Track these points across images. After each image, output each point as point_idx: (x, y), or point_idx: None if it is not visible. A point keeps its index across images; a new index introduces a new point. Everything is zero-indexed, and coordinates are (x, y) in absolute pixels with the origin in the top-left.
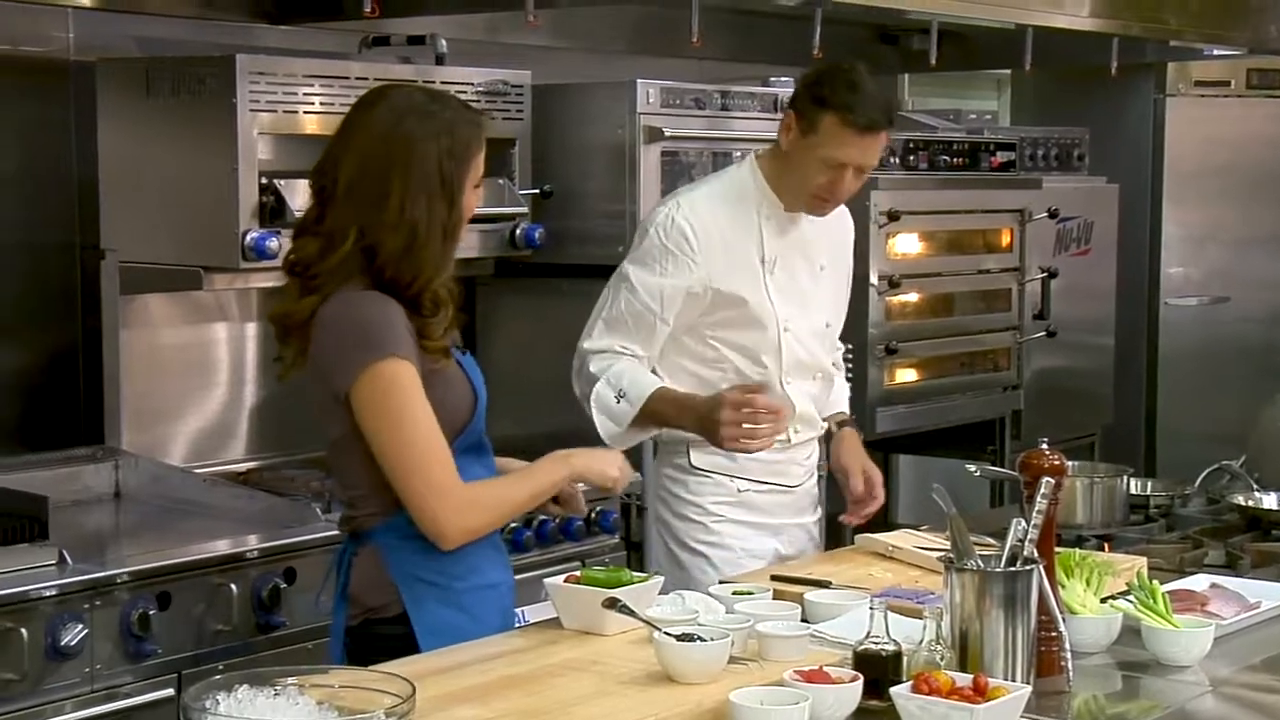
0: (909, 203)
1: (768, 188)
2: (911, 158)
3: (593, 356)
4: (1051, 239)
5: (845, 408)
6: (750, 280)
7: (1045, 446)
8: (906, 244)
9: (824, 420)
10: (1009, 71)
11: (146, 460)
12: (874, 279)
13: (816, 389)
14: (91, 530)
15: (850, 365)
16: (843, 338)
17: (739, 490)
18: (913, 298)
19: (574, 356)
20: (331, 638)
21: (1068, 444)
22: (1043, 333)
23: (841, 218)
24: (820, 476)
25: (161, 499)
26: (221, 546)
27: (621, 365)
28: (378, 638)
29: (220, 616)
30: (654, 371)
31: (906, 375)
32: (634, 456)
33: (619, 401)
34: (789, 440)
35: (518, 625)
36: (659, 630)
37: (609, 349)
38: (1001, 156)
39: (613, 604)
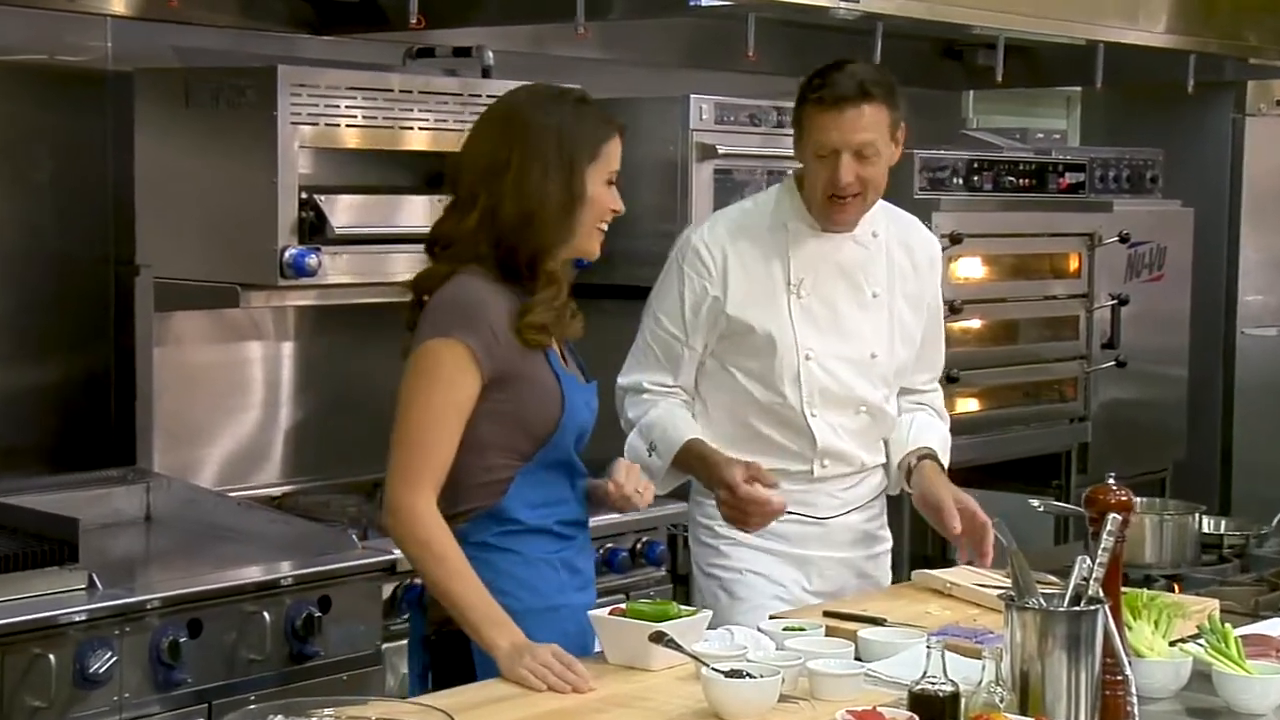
0: (972, 225)
1: (803, 207)
2: (975, 178)
3: (627, 396)
4: (1122, 264)
5: (930, 440)
6: (769, 305)
7: (1112, 481)
8: (969, 268)
9: (904, 454)
10: (1079, 89)
11: (179, 483)
12: None
13: (860, 425)
14: (121, 554)
15: None
16: None
17: None
18: (975, 324)
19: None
20: (409, 651)
21: (1138, 480)
22: (1112, 362)
23: (909, 239)
24: (880, 512)
25: (193, 523)
26: (255, 573)
27: (655, 413)
28: (454, 649)
29: (253, 645)
30: (694, 399)
31: (968, 405)
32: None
33: (650, 454)
34: (812, 472)
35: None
36: (707, 666)
37: (638, 385)
38: (1070, 178)
39: (659, 638)
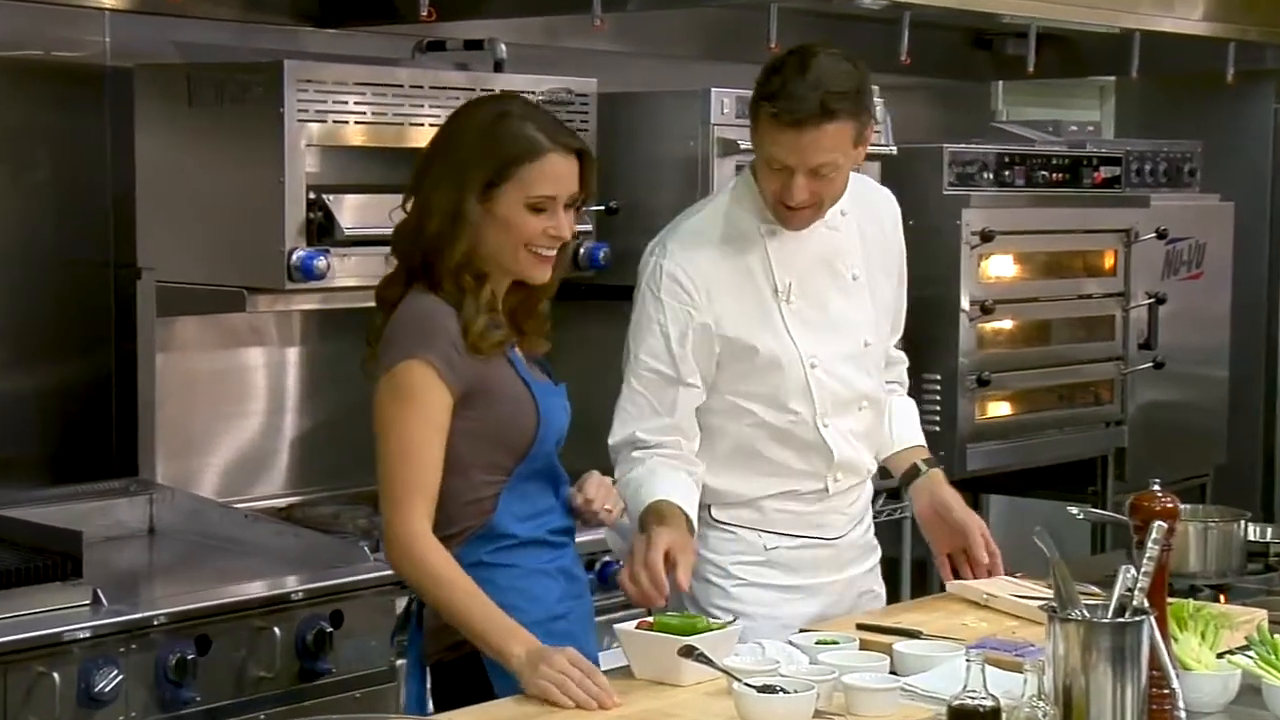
0: (1003, 222)
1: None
2: (1006, 173)
3: (619, 456)
4: (1160, 261)
5: (920, 436)
6: (761, 320)
7: (1157, 488)
8: (1000, 266)
9: (898, 452)
10: (1113, 79)
11: (183, 494)
12: (965, 304)
13: (863, 424)
14: (125, 569)
15: (939, 397)
16: (930, 368)
17: (766, 547)
18: (1006, 325)
19: None
20: (408, 678)
21: (1177, 485)
22: (1149, 364)
23: (872, 205)
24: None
25: (198, 535)
26: (264, 587)
27: (637, 471)
28: (460, 674)
29: (262, 662)
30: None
31: (999, 409)
32: None
33: (622, 515)
34: (827, 489)
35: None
36: (739, 681)
37: (631, 439)
38: (1105, 172)
39: (689, 652)
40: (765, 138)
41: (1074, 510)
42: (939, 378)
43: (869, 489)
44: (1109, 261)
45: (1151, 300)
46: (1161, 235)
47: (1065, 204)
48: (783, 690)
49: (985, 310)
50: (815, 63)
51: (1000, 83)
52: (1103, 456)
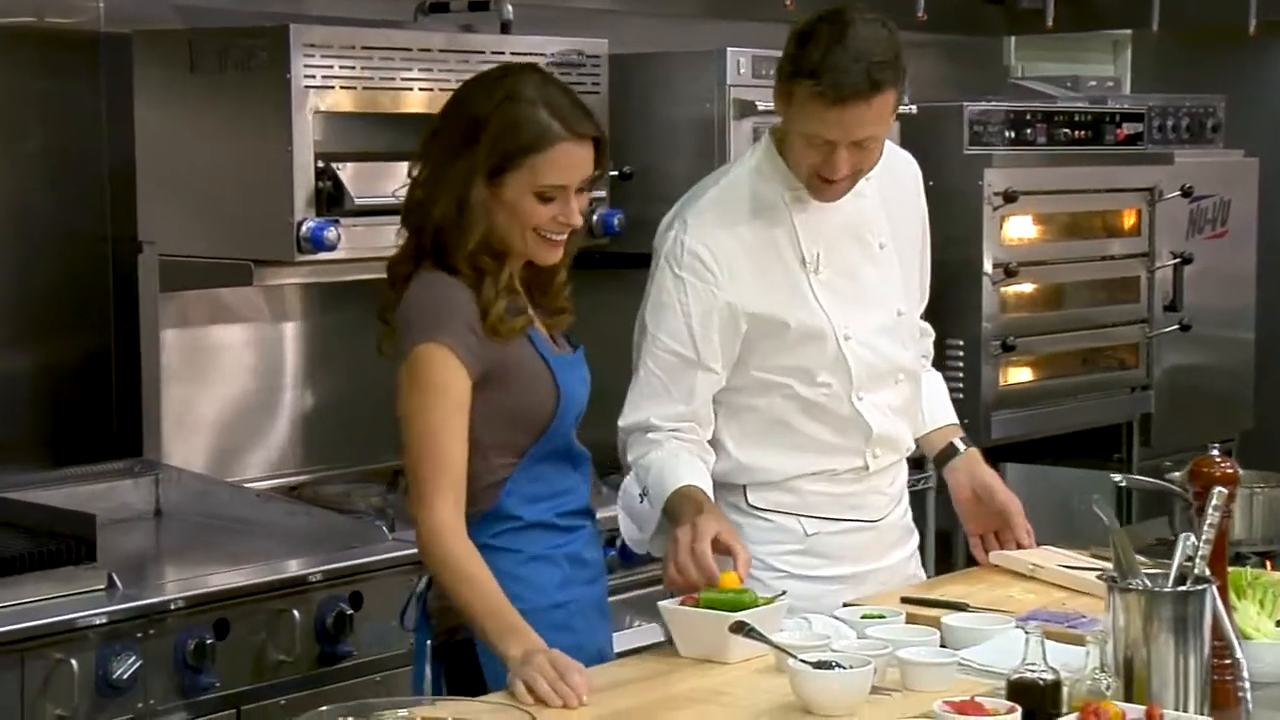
0: (1025, 182)
1: (788, 168)
2: (1028, 131)
3: (630, 439)
4: (1184, 220)
5: (952, 413)
6: (790, 293)
7: (1216, 453)
8: (1021, 228)
9: (931, 432)
10: (1128, 32)
11: (190, 474)
12: (988, 267)
13: (901, 397)
14: (135, 552)
15: (962, 364)
16: (953, 333)
17: (807, 533)
18: (1028, 288)
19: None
20: (415, 662)
21: (1202, 451)
22: (1175, 326)
23: (894, 170)
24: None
25: (207, 517)
26: (281, 569)
27: (655, 454)
28: (468, 659)
29: (282, 646)
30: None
31: (1021, 375)
32: None
33: (642, 500)
34: (866, 466)
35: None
36: (794, 658)
37: (644, 424)
38: (1128, 128)
39: (740, 628)
40: (804, 113)
41: (1117, 478)
42: (961, 343)
43: (905, 469)
44: (1132, 221)
45: (1176, 260)
46: (1187, 193)
47: (1087, 162)
48: (839, 666)
49: (1008, 273)
50: (853, 32)
51: (1013, 38)
52: (1128, 422)
